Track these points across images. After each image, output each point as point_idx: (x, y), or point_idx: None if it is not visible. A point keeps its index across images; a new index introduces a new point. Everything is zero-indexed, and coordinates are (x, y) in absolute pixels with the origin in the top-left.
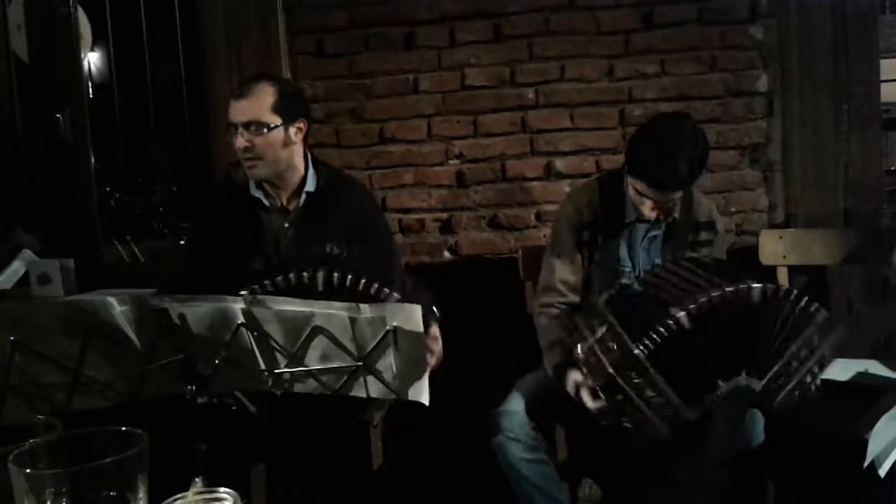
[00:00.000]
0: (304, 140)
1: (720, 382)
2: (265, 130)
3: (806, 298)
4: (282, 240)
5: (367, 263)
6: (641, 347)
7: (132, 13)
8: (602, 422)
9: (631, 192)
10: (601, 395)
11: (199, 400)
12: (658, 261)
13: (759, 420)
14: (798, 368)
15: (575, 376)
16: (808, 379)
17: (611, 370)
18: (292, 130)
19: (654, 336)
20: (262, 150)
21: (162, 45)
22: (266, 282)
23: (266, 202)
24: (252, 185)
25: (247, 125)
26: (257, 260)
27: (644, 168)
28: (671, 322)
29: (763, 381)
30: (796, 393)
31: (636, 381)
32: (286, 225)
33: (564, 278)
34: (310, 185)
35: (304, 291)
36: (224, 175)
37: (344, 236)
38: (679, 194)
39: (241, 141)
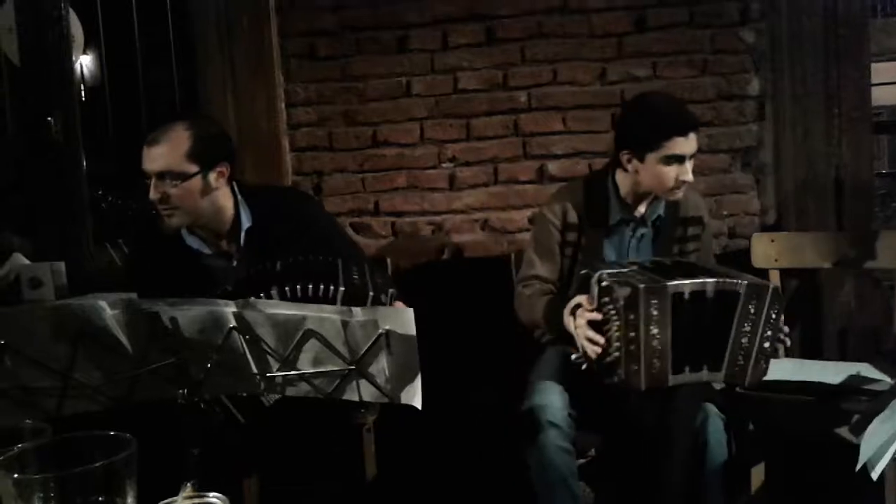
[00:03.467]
0: (230, 180)
1: (687, 370)
2: (180, 181)
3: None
4: (230, 278)
5: None
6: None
7: (124, 15)
8: (595, 367)
9: (654, 169)
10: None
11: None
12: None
13: (718, 430)
14: (751, 341)
15: (581, 312)
16: (767, 344)
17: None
18: (212, 176)
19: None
20: (177, 200)
21: (154, 47)
22: None
23: (205, 250)
24: (184, 233)
25: (160, 175)
26: None
27: (664, 122)
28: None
29: (723, 372)
30: (763, 365)
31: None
32: (234, 264)
33: (542, 275)
34: (245, 222)
35: None
36: (147, 224)
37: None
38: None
39: (154, 192)
